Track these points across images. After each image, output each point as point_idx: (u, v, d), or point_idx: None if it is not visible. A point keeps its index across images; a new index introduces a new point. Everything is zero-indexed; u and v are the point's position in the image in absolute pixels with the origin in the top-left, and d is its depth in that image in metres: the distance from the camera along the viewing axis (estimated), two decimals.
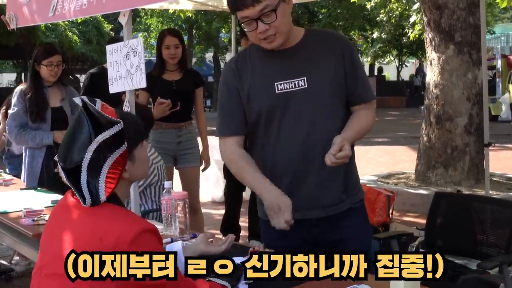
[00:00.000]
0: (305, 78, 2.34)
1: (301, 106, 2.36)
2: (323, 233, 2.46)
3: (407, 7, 17.62)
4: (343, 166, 2.33)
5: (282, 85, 2.35)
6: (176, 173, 4.93)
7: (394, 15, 20.36)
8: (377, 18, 22.31)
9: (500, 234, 3.43)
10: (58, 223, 1.84)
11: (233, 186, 5.31)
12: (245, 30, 2.29)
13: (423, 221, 4.09)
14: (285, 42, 2.35)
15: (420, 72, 33.36)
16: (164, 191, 2.80)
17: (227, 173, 5.47)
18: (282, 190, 2.34)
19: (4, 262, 5.07)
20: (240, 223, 5.51)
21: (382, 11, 19.84)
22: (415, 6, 14.27)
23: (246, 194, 5.55)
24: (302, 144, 2.38)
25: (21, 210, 3.40)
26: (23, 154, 4.57)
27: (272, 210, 2.27)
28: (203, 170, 5.15)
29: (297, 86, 2.35)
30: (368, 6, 17.53)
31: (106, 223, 1.71)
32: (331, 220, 2.44)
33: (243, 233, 5.50)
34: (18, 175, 4.81)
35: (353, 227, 2.49)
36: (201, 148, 5.07)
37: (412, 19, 14.99)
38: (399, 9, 19.31)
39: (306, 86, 2.35)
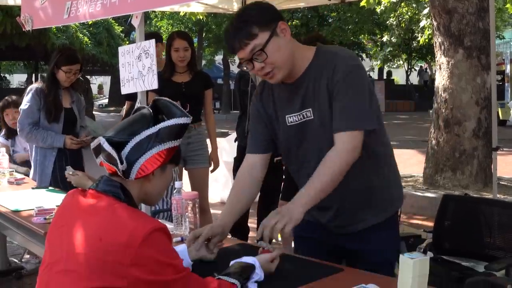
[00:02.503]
0: (310, 109, 2.33)
1: (312, 136, 2.36)
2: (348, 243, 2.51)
3: (416, 12, 17.64)
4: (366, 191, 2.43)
5: (292, 117, 2.38)
6: (185, 174, 4.97)
7: (403, 19, 20.38)
8: (387, 22, 22.35)
9: (507, 237, 3.45)
10: (68, 220, 1.84)
11: None
12: (247, 69, 2.33)
13: (430, 224, 4.10)
14: (292, 73, 2.31)
15: (422, 73, 34.09)
16: (174, 191, 2.82)
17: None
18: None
19: (15, 260, 5.12)
20: (249, 224, 5.53)
21: (392, 15, 19.88)
22: (425, 11, 14.29)
23: None
24: None
25: (33, 209, 3.43)
26: (32, 153, 4.61)
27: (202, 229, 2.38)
28: (212, 171, 5.18)
29: (305, 117, 2.35)
30: (378, 10, 17.57)
31: (119, 221, 1.74)
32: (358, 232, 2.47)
33: (252, 233, 5.52)
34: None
35: (380, 239, 2.49)
36: (210, 150, 5.11)
37: (421, 24, 15.01)
38: (409, 13, 19.34)
39: (312, 117, 2.34)
